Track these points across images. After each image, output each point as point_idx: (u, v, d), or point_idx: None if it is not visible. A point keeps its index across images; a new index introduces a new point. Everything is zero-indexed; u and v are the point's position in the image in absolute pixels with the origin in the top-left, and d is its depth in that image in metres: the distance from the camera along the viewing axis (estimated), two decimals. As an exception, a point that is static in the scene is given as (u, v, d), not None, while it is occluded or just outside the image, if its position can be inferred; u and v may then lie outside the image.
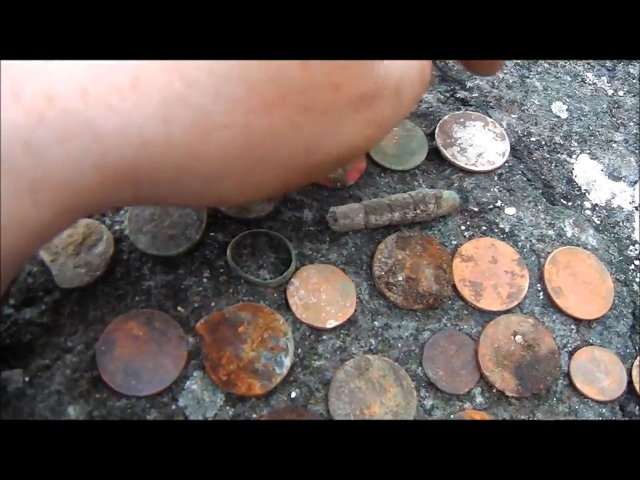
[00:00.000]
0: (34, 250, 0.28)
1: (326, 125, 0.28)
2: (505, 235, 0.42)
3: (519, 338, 0.38)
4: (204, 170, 0.27)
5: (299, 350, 0.36)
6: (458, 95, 0.48)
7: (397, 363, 0.36)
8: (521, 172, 0.45)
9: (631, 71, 0.53)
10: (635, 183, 0.46)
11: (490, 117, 0.46)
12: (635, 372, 0.38)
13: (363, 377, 0.35)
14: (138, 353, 0.34)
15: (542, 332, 0.38)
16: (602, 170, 0.46)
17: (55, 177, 0.24)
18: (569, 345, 0.39)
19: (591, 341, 0.39)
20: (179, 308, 0.36)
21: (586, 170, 0.46)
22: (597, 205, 0.45)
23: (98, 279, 0.36)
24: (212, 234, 0.38)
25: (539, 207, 0.43)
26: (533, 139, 0.47)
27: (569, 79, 0.51)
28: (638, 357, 0.39)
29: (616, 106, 0.51)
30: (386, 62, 0.31)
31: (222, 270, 0.37)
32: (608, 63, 0.53)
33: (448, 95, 0.48)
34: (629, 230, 0.44)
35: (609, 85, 0.52)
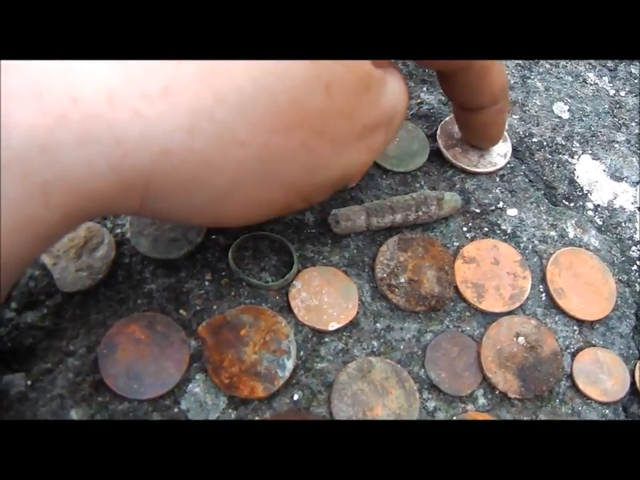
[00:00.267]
0: (39, 253, 0.28)
1: (333, 149, 0.30)
2: (507, 236, 0.41)
3: (521, 339, 0.38)
4: (215, 183, 0.27)
5: (301, 352, 0.36)
6: (459, 96, 0.47)
7: (399, 365, 0.36)
8: (522, 173, 0.44)
9: (633, 70, 0.53)
10: (637, 183, 0.46)
11: (491, 117, 0.46)
12: (637, 373, 0.38)
13: (366, 379, 0.35)
14: (140, 356, 0.34)
15: (544, 333, 0.38)
16: (604, 170, 0.46)
17: (68, 180, 0.23)
18: (571, 346, 0.39)
19: (593, 342, 0.39)
20: (180, 311, 0.36)
21: (588, 171, 0.46)
22: (599, 205, 0.45)
23: (100, 283, 0.36)
24: (213, 237, 0.38)
25: (541, 208, 0.43)
26: (534, 139, 0.47)
27: (571, 79, 0.51)
28: (641, 358, 0.39)
29: (618, 106, 0.50)
30: (388, 91, 0.31)
31: (224, 273, 0.37)
32: (609, 63, 0.53)
33: (449, 96, 0.47)
34: (631, 230, 0.44)
35: (611, 85, 0.52)
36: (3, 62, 0.23)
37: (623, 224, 0.44)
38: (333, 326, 0.36)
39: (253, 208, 0.31)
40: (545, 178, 0.45)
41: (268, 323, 0.35)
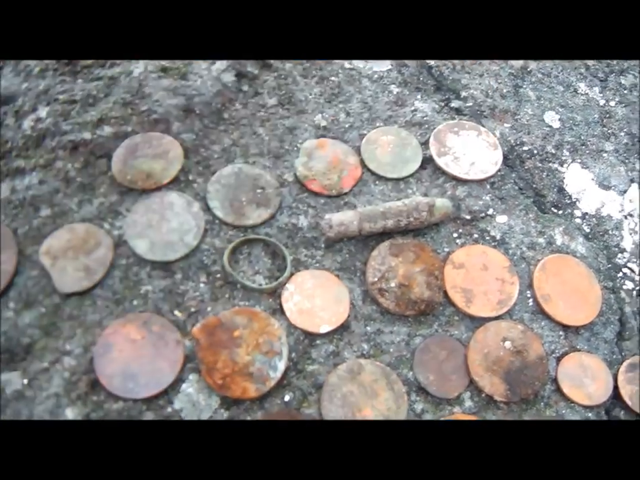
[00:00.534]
0: None
1: None
2: (496, 243, 0.42)
3: (508, 344, 0.39)
4: None
5: (293, 354, 0.36)
6: (452, 105, 0.48)
7: (388, 368, 0.37)
8: (512, 180, 0.45)
9: (622, 81, 0.54)
10: (625, 192, 0.47)
11: (483, 126, 0.47)
12: (620, 377, 0.39)
13: (355, 381, 0.36)
14: (135, 357, 0.35)
15: (531, 338, 0.39)
16: (592, 179, 0.47)
17: None
18: (557, 351, 0.40)
19: (578, 347, 0.40)
20: (176, 312, 0.37)
21: (577, 179, 0.47)
22: (586, 213, 0.46)
23: (96, 283, 0.37)
24: (209, 240, 0.39)
25: (530, 215, 0.44)
26: (525, 148, 0.48)
27: (562, 88, 0.52)
28: (624, 363, 0.40)
29: (607, 116, 0.51)
30: None
31: (218, 275, 0.38)
32: (600, 74, 0.54)
33: (443, 104, 0.48)
34: (618, 238, 0.45)
35: (601, 95, 0.53)
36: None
37: (610, 231, 0.45)
38: (324, 329, 0.37)
39: None
40: (534, 186, 0.46)
41: (261, 325, 0.36)
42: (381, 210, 0.40)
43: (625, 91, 0.53)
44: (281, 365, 0.35)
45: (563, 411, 0.38)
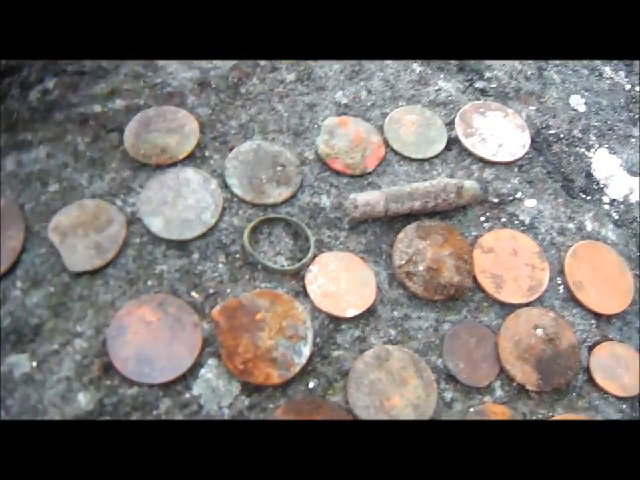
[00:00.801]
0: None
1: None
2: (525, 227, 0.41)
3: (539, 331, 0.37)
4: None
5: (318, 339, 0.35)
6: (477, 85, 0.47)
7: (417, 355, 0.35)
8: (540, 164, 0.44)
9: (648, 66, 0.52)
10: (653, 178, 0.46)
11: (509, 107, 0.46)
12: (656, 368, 0.38)
13: (383, 368, 0.34)
14: (151, 340, 0.33)
15: (562, 326, 0.38)
16: (620, 165, 0.46)
17: None
18: (588, 340, 0.38)
19: (610, 337, 0.39)
20: (193, 293, 0.35)
21: (604, 164, 0.46)
22: (615, 199, 0.44)
23: (108, 262, 0.35)
24: (227, 218, 0.37)
25: (559, 200, 0.42)
26: (551, 131, 0.46)
27: (587, 72, 0.51)
28: (659, 354, 0.38)
29: (633, 101, 0.50)
30: None
31: (238, 256, 0.36)
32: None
33: (467, 84, 0.47)
34: (647, 226, 0.43)
35: (627, 79, 0.51)
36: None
37: (639, 219, 0.44)
38: (350, 312, 0.35)
39: None
40: (562, 170, 0.44)
41: (284, 308, 0.34)
42: (407, 190, 0.38)
43: (651, 76, 0.52)
44: (306, 350, 0.33)
45: (596, 402, 0.36)
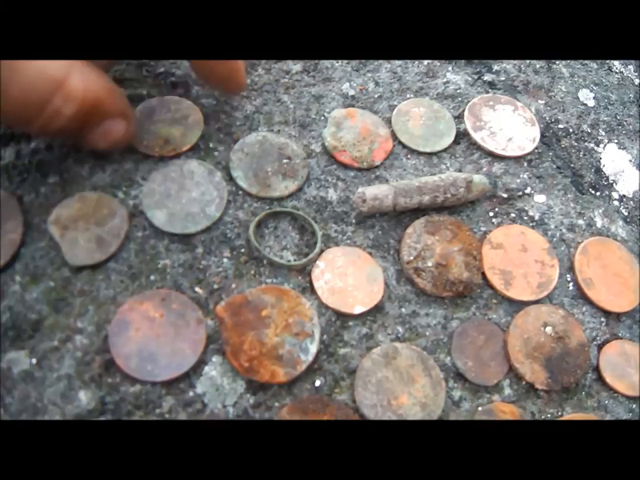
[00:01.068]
0: None
1: None
2: (534, 223, 0.40)
3: (549, 329, 0.36)
4: None
5: (324, 336, 0.34)
6: (485, 78, 0.46)
7: (425, 352, 0.34)
8: (550, 159, 0.43)
9: (658, 60, 0.52)
10: (663, 174, 0.45)
11: (519, 101, 0.45)
12: (666, 367, 0.37)
13: (391, 366, 0.34)
14: (153, 336, 0.32)
15: (572, 324, 0.37)
16: (630, 160, 0.45)
17: None
18: (598, 338, 0.38)
19: (620, 335, 0.38)
20: (197, 289, 0.34)
21: (614, 160, 0.45)
22: (624, 196, 0.44)
23: (110, 256, 0.34)
24: (232, 212, 0.36)
25: (569, 196, 0.42)
26: (560, 125, 0.45)
27: (596, 66, 0.50)
28: (669, 352, 0.38)
29: (642, 96, 0.49)
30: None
31: (243, 250, 0.35)
32: (634, 52, 0.52)
33: (475, 77, 0.46)
34: (657, 222, 0.43)
35: (636, 74, 0.50)
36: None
37: (648, 215, 0.43)
38: (358, 309, 0.34)
39: None
40: (572, 165, 0.43)
41: (291, 304, 0.33)
42: (416, 184, 0.37)
43: (661, 71, 0.51)
44: (313, 348, 0.33)
45: (606, 402, 0.36)
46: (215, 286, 0.34)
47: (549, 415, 0.35)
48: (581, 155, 0.44)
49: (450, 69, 0.46)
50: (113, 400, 0.31)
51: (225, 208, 0.36)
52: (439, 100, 0.44)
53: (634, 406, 0.36)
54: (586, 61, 0.50)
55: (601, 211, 0.42)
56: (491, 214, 0.40)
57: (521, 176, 0.41)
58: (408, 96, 0.43)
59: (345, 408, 0.32)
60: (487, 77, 0.46)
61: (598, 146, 0.45)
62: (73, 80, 0.30)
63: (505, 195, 0.41)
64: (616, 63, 0.51)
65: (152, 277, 0.34)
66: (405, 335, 0.35)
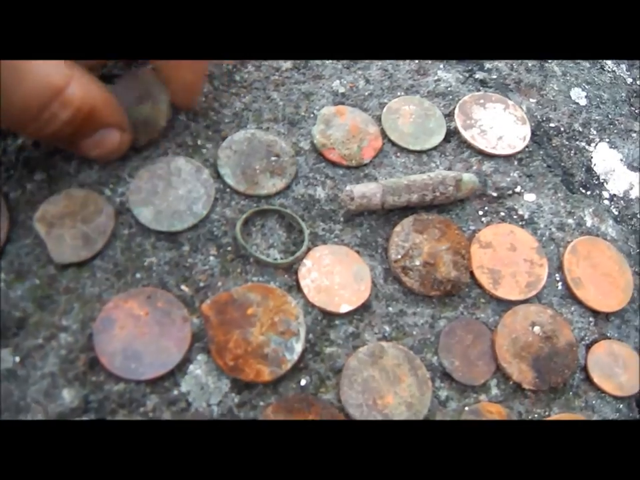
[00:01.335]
0: None
1: None
2: (523, 222, 0.40)
3: (537, 329, 0.36)
4: None
5: (310, 335, 0.34)
6: (477, 76, 0.46)
7: (411, 352, 0.34)
8: (540, 158, 0.43)
9: (651, 59, 0.51)
10: (654, 174, 0.45)
11: (510, 99, 0.45)
12: (654, 368, 0.37)
13: (377, 365, 0.33)
14: (138, 334, 0.32)
15: (560, 323, 0.37)
16: (621, 160, 0.45)
17: None
18: (586, 338, 0.37)
19: (608, 335, 0.38)
20: (182, 287, 0.34)
21: (605, 159, 0.45)
22: (615, 195, 0.43)
23: (96, 254, 0.34)
24: (219, 209, 0.36)
25: (559, 195, 0.42)
26: (552, 124, 0.45)
27: (588, 65, 0.50)
28: (657, 353, 0.37)
29: (635, 95, 0.49)
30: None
31: (229, 248, 0.35)
32: (627, 50, 0.52)
33: (466, 75, 0.46)
34: (648, 222, 0.43)
35: (628, 73, 0.50)
36: None
37: (638, 215, 0.43)
38: (344, 308, 0.34)
39: None
40: (562, 164, 0.43)
41: (277, 303, 0.33)
42: (405, 183, 0.37)
43: (654, 69, 0.51)
44: (298, 347, 0.33)
45: (593, 402, 0.36)
46: (201, 284, 0.34)
47: (536, 415, 0.35)
48: (571, 154, 0.44)
49: (441, 66, 0.46)
50: (96, 398, 0.31)
51: (212, 205, 0.36)
52: (430, 98, 0.43)
53: (621, 406, 0.36)
54: (578, 60, 0.50)
55: (591, 210, 0.42)
56: (481, 213, 0.40)
57: (511, 174, 0.41)
58: (398, 94, 0.43)
59: (331, 407, 0.32)
60: (479, 75, 0.46)
61: (589, 145, 0.45)
62: (72, 87, 0.30)
63: (494, 194, 0.40)
64: (608, 62, 0.50)
65: (138, 275, 0.34)
66: (391, 334, 0.35)
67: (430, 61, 0.46)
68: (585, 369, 0.37)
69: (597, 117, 0.47)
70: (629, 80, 0.50)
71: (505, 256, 0.38)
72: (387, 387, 0.33)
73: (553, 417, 0.35)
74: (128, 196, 0.35)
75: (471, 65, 0.46)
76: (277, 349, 0.32)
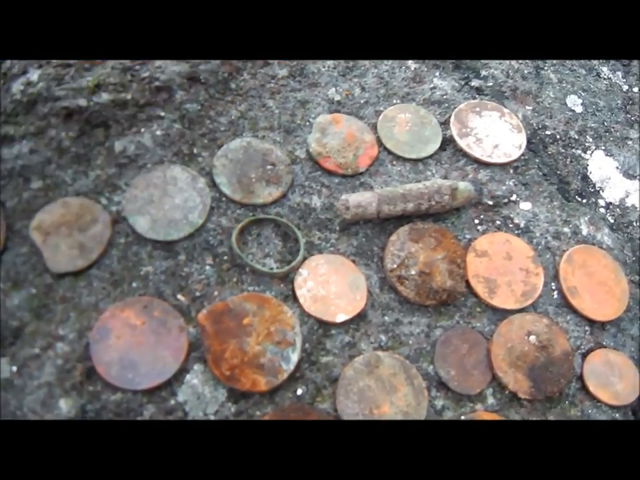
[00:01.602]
0: None
1: None
2: (519, 231, 0.40)
3: (532, 338, 0.36)
4: None
5: (306, 345, 0.34)
6: (472, 84, 0.46)
7: (407, 361, 0.34)
8: (536, 166, 0.43)
9: (647, 66, 0.52)
10: (650, 181, 0.45)
11: (505, 107, 0.45)
12: (649, 376, 0.37)
13: (373, 375, 0.33)
14: (135, 344, 0.32)
15: (556, 332, 0.37)
16: (617, 167, 0.45)
17: None
18: (582, 347, 0.37)
19: (604, 344, 0.38)
20: (179, 296, 0.34)
21: (601, 167, 0.45)
22: (610, 203, 0.44)
23: (92, 263, 0.34)
24: (215, 218, 0.36)
25: (555, 203, 0.42)
26: (547, 132, 0.45)
27: (584, 72, 0.50)
28: (652, 361, 0.38)
29: (630, 102, 0.49)
30: None
31: (225, 257, 0.35)
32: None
33: (462, 82, 0.46)
34: (643, 230, 0.43)
35: (624, 80, 0.50)
36: None
37: (635, 223, 0.43)
38: (340, 318, 0.34)
39: None
40: (558, 172, 0.43)
41: (273, 313, 0.33)
42: (400, 192, 0.37)
43: (649, 77, 0.51)
44: (294, 357, 0.33)
45: (589, 411, 0.36)
46: (197, 293, 0.34)
47: (531, 424, 0.35)
48: (567, 162, 0.44)
49: (437, 74, 0.46)
50: (93, 408, 0.31)
51: (208, 215, 0.36)
52: (426, 106, 0.44)
53: (617, 415, 0.36)
54: (574, 67, 0.50)
55: (586, 218, 0.42)
56: (476, 221, 0.40)
57: (507, 183, 0.41)
58: (394, 101, 0.43)
59: (327, 417, 0.32)
60: (474, 83, 0.46)
61: (585, 153, 0.45)
62: None
63: (490, 202, 0.41)
64: (604, 69, 0.51)
65: (134, 284, 0.34)
66: (387, 343, 0.35)
67: (426, 69, 0.46)
68: (580, 378, 0.37)
69: (592, 125, 0.47)
70: (625, 87, 0.50)
71: (500, 265, 0.38)
72: (383, 397, 0.33)
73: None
74: (124, 205, 0.35)
75: (467, 73, 0.47)
76: (273, 358, 0.32)
